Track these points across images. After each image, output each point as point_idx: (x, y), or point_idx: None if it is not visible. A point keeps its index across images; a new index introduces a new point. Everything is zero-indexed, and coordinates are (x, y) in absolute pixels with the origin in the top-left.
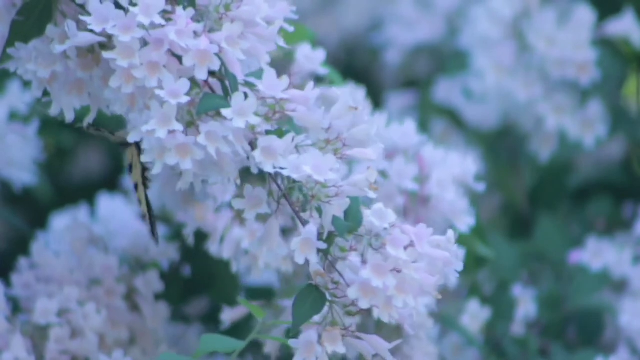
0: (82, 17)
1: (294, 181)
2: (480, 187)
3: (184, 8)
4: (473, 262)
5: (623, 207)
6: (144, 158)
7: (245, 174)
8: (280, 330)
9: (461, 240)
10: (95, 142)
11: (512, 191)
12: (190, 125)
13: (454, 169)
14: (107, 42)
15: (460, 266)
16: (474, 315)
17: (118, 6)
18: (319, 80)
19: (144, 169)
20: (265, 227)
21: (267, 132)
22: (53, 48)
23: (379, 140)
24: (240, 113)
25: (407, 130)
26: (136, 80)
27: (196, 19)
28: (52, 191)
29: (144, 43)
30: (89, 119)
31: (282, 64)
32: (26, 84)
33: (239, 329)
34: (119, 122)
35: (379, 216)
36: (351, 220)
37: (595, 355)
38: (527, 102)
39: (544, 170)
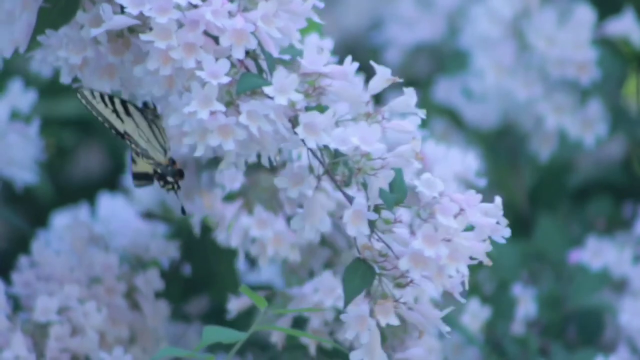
0: (116, 0)
1: (337, 156)
2: (482, 182)
3: None
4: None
5: (623, 207)
6: (186, 140)
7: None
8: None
9: None
10: (95, 142)
11: (512, 191)
12: (230, 105)
13: (455, 165)
14: (138, 26)
15: (507, 233)
16: (474, 315)
17: None
18: None
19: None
20: (307, 203)
21: (307, 109)
22: (85, 33)
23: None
24: (282, 90)
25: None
26: (174, 61)
27: None
28: (53, 190)
29: (179, 25)
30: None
31: None
32: (28, 84)
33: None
34: None
35: (427, 185)
36: (397, 191)
37: (595, 354)
38: (527, 102)
39: (544, 170)
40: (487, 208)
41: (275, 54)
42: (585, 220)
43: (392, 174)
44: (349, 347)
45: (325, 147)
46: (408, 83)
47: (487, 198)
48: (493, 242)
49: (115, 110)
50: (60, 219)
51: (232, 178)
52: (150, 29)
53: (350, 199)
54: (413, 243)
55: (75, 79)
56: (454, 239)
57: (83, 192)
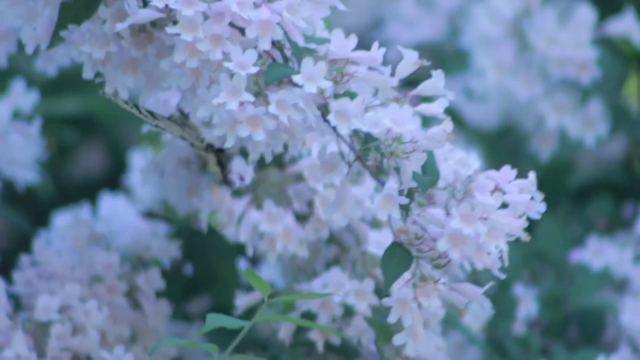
0: None
1: (367, 141)
2: None
3: None
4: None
5: (624, 207)
6: (215, 132)
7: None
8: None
9: None
10: (96, 141)
11: None
12: (258, 95)
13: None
14: (161, 20)
15: (543, 208)
16: (476, 315)
17: None
18: None
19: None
20: (338, 190)
21: (335, 96)
22: (108, 28)
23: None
24: (311, 78)
25: None
26: (200, 54)
27: None
28: (54, 190)
29: (205, 17)
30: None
31: None
32: (30, 83)
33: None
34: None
35: (462, 164)
36: (429, 174)
37: (596, 354)
38: (528, 102)
39: (545, 169)
40: (521, 184)
41: (302, 44)
42: (585, 220)
43: (425, 157)
44: (357, 344)
45: (356, 133)
46: (408, 83)
47: None
48: None
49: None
50: (62, 219)
51: (242, 173)
52: (174, 22)
53: (382, 184)
54: (451, 223)
55: (98, 74)
56: (490, 217)
57: (84, 191)
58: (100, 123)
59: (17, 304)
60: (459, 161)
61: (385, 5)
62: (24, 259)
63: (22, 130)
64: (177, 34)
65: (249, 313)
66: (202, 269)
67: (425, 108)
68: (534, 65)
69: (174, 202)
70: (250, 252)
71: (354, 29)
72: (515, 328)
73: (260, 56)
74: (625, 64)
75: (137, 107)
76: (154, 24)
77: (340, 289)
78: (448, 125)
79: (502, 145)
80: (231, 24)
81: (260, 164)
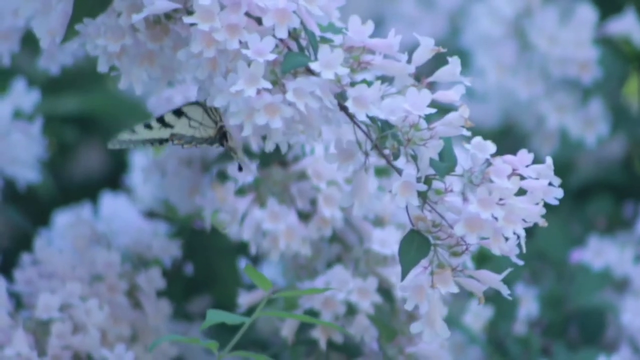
0: None
1: (384, 129)
2: None
3: None
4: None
5: (624, 206)
6: (232, 121)
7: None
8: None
9: None
10: (97, 141)
11: None
12: (275, 84)
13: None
14: (176, 12)
15: (560, 193)
16: (477, 314)
17: None
18: None
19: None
20: (355, 179)
21: (352, 84)
22: (123, 20)
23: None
24: (328, 65)
25: None
26: (217, 43)
27: None
28: (55, 189)
29: (221, 7)
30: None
31: None
32: (31, 82)
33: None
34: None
35: (479, 148)
36: (447, 160)
37: (597, 354)
38: (529, 101)
39: None
40: (539, 169)
41: (318, 32)
42: (586, 219)
43: (442, 144)
44: (360, 342)
45: (373, 121)
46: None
47: None
48: None
49: (164, 124)
50: (62, 218)
51: (245, 171)
52: (189, 12)
53: (400, 172)
54: (469, 207)
55: (112, 68)
56: (508, 201)
57: (85, 191)
58: (100, 122)
59: (18, 302)
60: (475, 145)
61: (385, 5)
62: (25, 257)
63: (24, 130)
64: (194, 24)
65: (251, 312)
66: (202, 268)
67: (441, 95)
68: (534, 64)
69: (175, 202)
70: (253, 250)
71: None
72: (516, 328)
73: (276, 45)
74: (626, 64)
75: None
76: (168, 16)
77: (343, 286)
78: (465, 110)
79: (503, 145)
80: (247, 14)
81: (264, 162)
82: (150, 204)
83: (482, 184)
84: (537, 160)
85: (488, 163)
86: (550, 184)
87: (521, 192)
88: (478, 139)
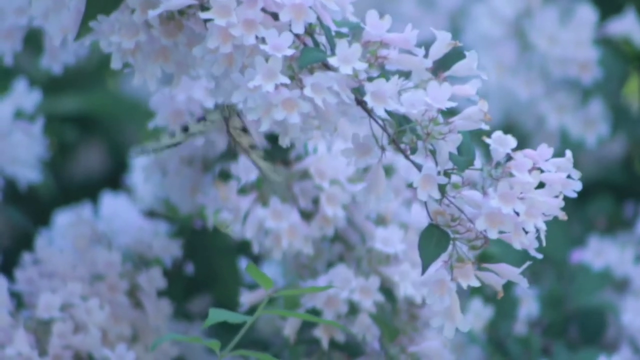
0: None
1: (402, 123)
2: None
3: None
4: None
5: (624, 206)
6: (250, 116)
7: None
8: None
9: None
10: (97, 141)
11: None
12: (292, 79)
13: None
14: (189, 8)
15: (579, 186)
16: (477, 314)
17: None
18: None
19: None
20: (371, 174)
21: (369, 79)
22: (137, 17)
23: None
24: (346, 60)
25: None
26: (234, 39)
27: None
28: (55, 189)
29: (238, 2)
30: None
31: None
32: (32, 82)
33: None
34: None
35: (500, 142)
36: (465, 154)
37: (597, 354)
38: (529, 101)
39: None
40: (559, 162)
41: (334, 27)
42: (586, 219)
43: (461, 138)
44: (362, 341)
45: (391, 116)
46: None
47: None
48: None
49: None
50: (63, 217)
51: (247, 170)
52: (203, 8)
53: (418, 167)
54: (490, 202)
55: (125, 65)
56: (528, 195)
57: (85, 190)
58: (101, 122)
59: (19, 302)
60: (496, 139)
61: (386, 5)
62: (25, 257)
63: (25, 130)
64: (210, 20)
65: (252, 311)
66: (203, 268)
67: (458, 89)
68: (534, 65)
69: (176, 201)
70: (256, 249)
71: None
72: (516, 328)
73: (292, 40)
74: (626, 64)
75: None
76: (182, 12)
77: (346, 285)
78: (484, 105)
79: None
80: (263, 9)
81: (267, 161)
82: (150, 203)
83: (503, 179)
84: None
85: (507, 157)
86: (569, 176)
87: (539, 185)
88: (499, 133)
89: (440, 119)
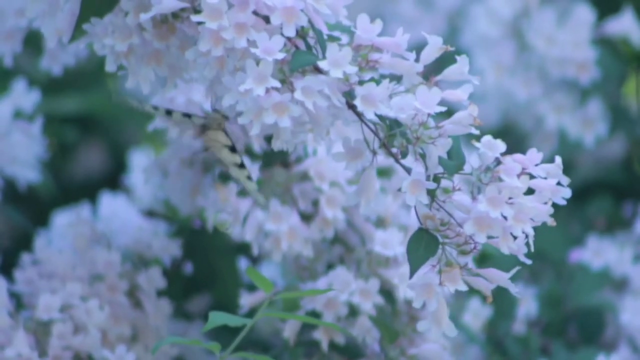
0: None
1: (392, 127)
2: None
3: None
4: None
5: (623, 206)
6: (241, 120)
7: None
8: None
9: None
10: (97, 141)
11: None
12: (283, 82)
13: None
14: (182, 11)
15: (568, 193)
16: (476, 314)
17: None
18: None
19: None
20: (363, 178)
21: (360, 82)
22: (131, 20)
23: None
24: (336, 64)
25: None
26: (225, 42)
27: None
28: (55, 189)
29: (229, 6)
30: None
31: None
32: (32, 82)
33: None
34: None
35: (489, 147)
36: (455, 159)
37: (596, 353)
38: (527, 102)
39: None
40: (548, 168)
41: (326, 31)
42: (585, 219)
43: (450, 142)
44: (361, 343)
45: (382, 120)
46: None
47: None
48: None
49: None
50: (62, 218)
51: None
52: (196, 11)
53: (409, 171)
54: (478, 206)
55: (120, 67)
56: (517, 200)
57: (85, 191)
58: (100, 122)
59: (19, 302)
60: (485, 143)
61: (385, 5)
62: (25, 257)
63: (24, 130)
64: (202, 23)
65: (253, 313)
66: (202, 268)
67: (449, 94)
68: (533, 65)
69: (176, 202)
70: (255, 251)
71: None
72: (515, 327)
73: (284, 44)
74: (624, 64)
75: (152, 106)
76: (175, 15)
77: (345, 287)
78: (474, 109)
79: None
80: (255, 12)
81: (266, 163)
82: (150, 204)
83: (492, 183)
84: None
85: (497, 162)
86: (558, 183)
87: (529, 191)
88: (488, 138)
89: (431, 123)
